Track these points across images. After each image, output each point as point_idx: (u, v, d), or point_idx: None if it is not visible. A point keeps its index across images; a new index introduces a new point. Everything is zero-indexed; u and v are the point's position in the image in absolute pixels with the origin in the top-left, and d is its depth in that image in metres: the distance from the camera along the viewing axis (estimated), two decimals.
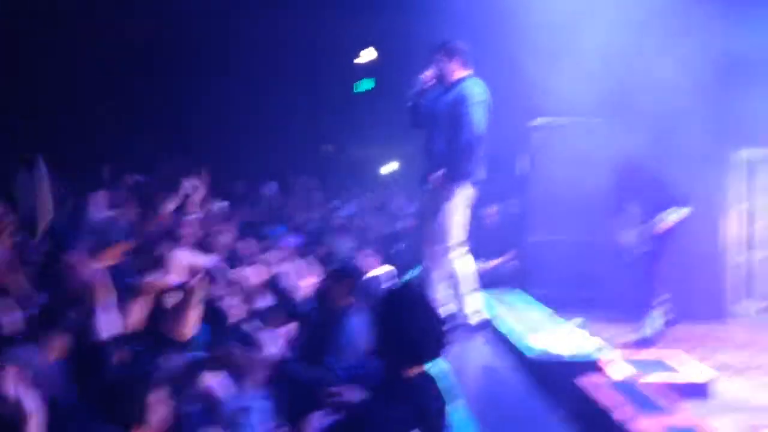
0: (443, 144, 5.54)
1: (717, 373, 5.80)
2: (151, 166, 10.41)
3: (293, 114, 13.49)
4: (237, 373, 3.43)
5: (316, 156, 14.26)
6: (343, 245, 8.51)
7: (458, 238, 5.58)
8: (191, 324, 3.93)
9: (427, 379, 2.82)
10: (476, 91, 5.47)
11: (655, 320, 6.71)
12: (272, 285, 5.53)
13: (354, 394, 3.64)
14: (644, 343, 6.62)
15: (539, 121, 8.60)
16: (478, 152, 5.48)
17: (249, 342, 3.96)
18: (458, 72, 5.56)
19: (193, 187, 7.11)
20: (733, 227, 8.28)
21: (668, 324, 7.07)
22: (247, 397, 3.00)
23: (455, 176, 5.47)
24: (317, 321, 5.00)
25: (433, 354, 2.78)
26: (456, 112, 5.44)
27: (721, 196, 8.18)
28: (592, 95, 7.49)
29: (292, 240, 8.09)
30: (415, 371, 2.75)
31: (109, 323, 3.63)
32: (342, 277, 5.16)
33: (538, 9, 7.61)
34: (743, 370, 6.10)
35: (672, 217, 6.69)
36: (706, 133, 7.53)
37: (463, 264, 5.61)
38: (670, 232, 6.77)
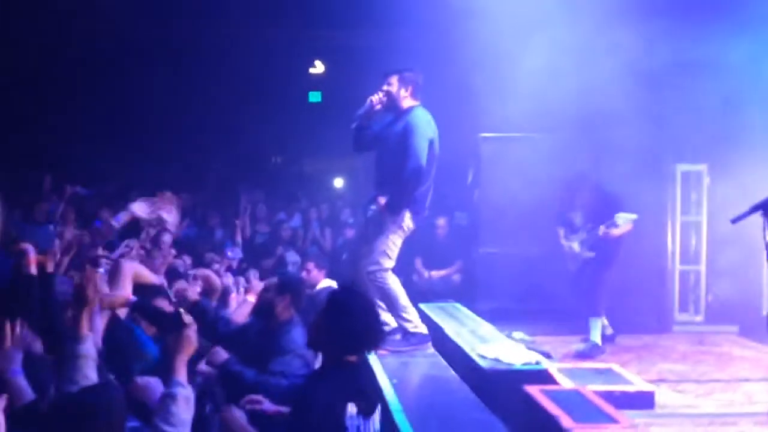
0: (390, 170, 5.61)
1: (659, 383, 5.92)
2: (94, 177, 10.21)
3: (242, 125, 13.39)
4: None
5: (265, 168, 14.17)
6: (290, 258, 8.47)
7: (391, 262, 5.68)
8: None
9: (365, 365, 3.39)
10: (424, 122, 5.57)
11: (596, 332, 6.81)
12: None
13: (271, 407, 3.74)
14: (587, 353, 6.70)
15: (487, 134, 8.71)
16: (423, 183, 5.56)
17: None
18: (408, 100, 5.62)
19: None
20: (673, 240, 8.49)
21: (610, 336, 7.19)
22: (173, 385, 3.02)
23: (398, 205, 5.57)
24: (258, 332, 4.97)
25: (372, 345, 3.33)
26: (404, 141, 5.50)
27: (661, 210, 8.38)
28: (538, 112, 7.64)
29: (235, 253, 8.03)
30: (354, 358, 3.24)
31: None
32: (283, 290, 5.13)
33: (485, 27, 7.73)
34: (684, 380, 6.21)
35: (619, 224, 6.78)
36: (645, 149, 7.73)
37: (395, 281, 5.70)
38: (616, 241, 6.87)
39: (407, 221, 5.67)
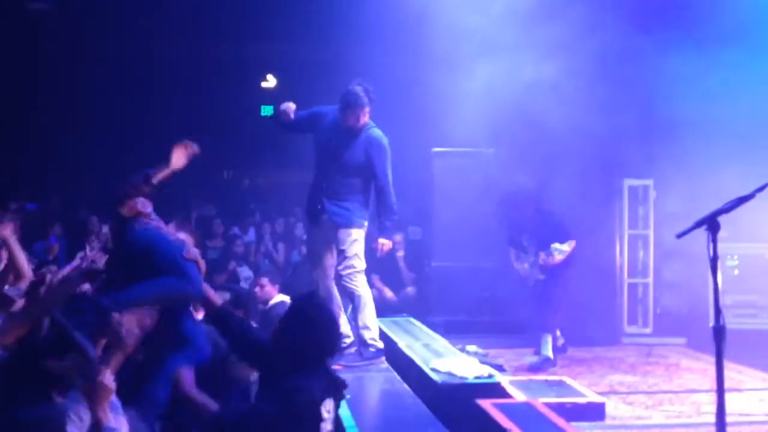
0: (344, 181, 5.61)
1: (610, 394, 6.00)
2: (38, 192, 10.00)
3: (194, 139, 13.22)
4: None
5: (217, 182, 14.02)
6: (242, 273, 8.39)
7: (363, 263, 5.68)
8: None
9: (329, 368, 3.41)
10: (384, 140, 5.64)
11: (548, 346, 6.88)
12: None
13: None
14: (539, 367, 6.76)
15: (439, 149, 8.77)
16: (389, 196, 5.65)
17: None
18: (365, 118, 5.63)
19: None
20: (621, 254, 8.63)
21: (562, 347, 7.28)
22: None
23: (364, 215, 5.64)
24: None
25: (329, 355, 3.40)
26: (369, 157, 5.57)
27: (609, 224, 8.53)
28: (488, 127, 7.74)
29: None
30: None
31: None
32: (235, 305, 5.09)
33: (436, 44, 7.79)
34: (633, 391, 6.31)
35: (557, 252, 6.89)
36: (593, 164, 7.87)
37: (366, 292, 5.67)
38: (561, 264, 6.96)
39: (365, 228, 5.72)
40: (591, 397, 5.55)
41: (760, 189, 3.10)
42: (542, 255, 6.95)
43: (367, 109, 5.61)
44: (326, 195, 5.65)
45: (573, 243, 6.95)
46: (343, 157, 5.60)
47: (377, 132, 5.67)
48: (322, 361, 3.36)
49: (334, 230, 5.62)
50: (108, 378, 2.89)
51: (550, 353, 6.86)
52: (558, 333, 7.17)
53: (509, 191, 7.26)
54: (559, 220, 7.08)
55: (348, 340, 5.68)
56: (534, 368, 6.75)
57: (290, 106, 5.76)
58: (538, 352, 6.96)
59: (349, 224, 5.60)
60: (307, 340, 3.28)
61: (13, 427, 2.67)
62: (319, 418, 3.21)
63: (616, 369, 7.15)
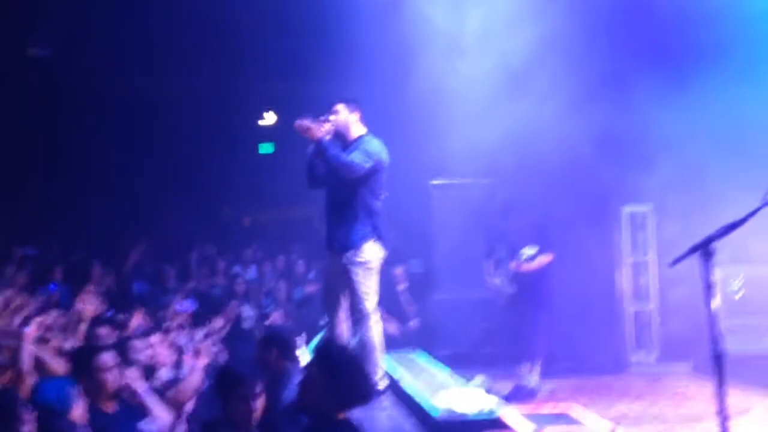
0: (346, 204, 5.42)
1: (616, 423, 5.94)
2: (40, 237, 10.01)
3: (194, 177, 13.30)
4: None
5: (217, 220, 14.04)
6: (244, 312, 8.36)
7: (374, 301, 5.44)
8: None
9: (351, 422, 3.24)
10: (373, 145, 5.41)
11: (531, 372, 6.82)
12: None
13: None
14: (524, 395, 6.70)
15: (438, 180, 8.79)
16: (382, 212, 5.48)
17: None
18: (357, 127, 5.47)
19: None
20: (625, 280, 8.59)
21: (545, 375, 7.17)
22: None
23: (369, 236, 5.37)
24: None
25: (363, 399, 3.23)
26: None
27: (610, 251, 8.51)
28: (485, 157, 7.75)
29: (187, 306, 7.88)
30: (344, 416, 3.17)
31: None
32: (269, 344, 5.09)
33: (433, 76, 7.85)
34: (641, 419, 6.25)
35: (525, 258, 6.83)
36: (591, 191, 7.87)
37: (378, 330, 5.46)
38: (534, 279, 6.89)
39: (374, 252, 5.41)
40: (597, 426, 5.50)
41: (752, 214, 3.10)
42: (513, 263, 6.91)
43: (356, 114, 5.44)
44: (330, 222, 5.49)
45: (549, 257, 6.88)
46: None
47: (367, 138, 5.43)
48: (349, 412, 3.18)
49: (339, 257, 5.41)
50: None
51: (534, 382, 6.80)
52: (538, 361, 7.02)
53: (493, 201, 7.24)
54: (541, 232, 7.02)
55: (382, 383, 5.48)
56: (516, 396, 6.64)
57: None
58: (519, 380, 6.88)
59: (349, 246, 5.35)
60: (331, 391, 3.11)
61: None
62: None
63: (623, 397, 7.08)
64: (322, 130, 5.36)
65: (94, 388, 4.17)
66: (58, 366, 4.47)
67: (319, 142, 5.31)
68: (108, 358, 4.31)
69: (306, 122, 5.32)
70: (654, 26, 7.81)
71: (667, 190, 8.12)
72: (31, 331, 4.48)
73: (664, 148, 7.76)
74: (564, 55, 7.25)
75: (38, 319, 4.71)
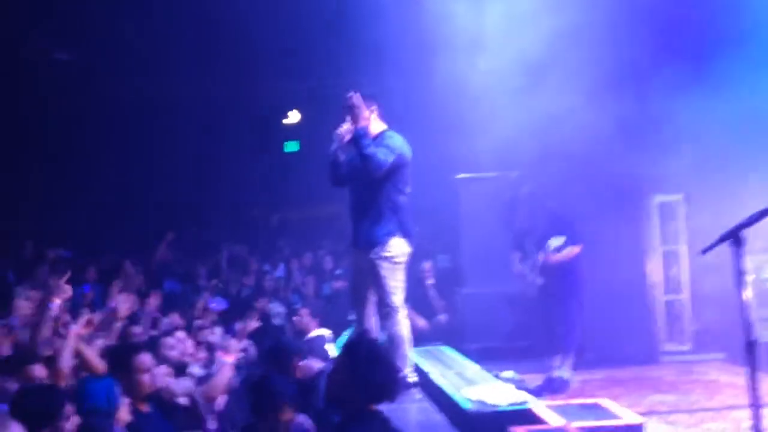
0: (370, 201, 5.40)
1: (650, 415, 5.90)
2: (77, 240, 10.15)
3: (223, 176, 13.42)
4: None
5: (246, 219, 14.15)
6: (274, 309, 8.42)
7: (401, 297, 5.43)
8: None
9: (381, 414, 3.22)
10: (394, 140, 5.38)
11: (562, 365, 6.78)
12: None
13: None
14: (555, 388, 6.67)
15: (465, 174, 8.77)
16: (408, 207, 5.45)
17: None
18: (375, 124, 5.43)
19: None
20: (656, 270, 8.52)
21: (577, 367, 7.13)
22: None
23: (394, 232, 5.36)
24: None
25: (393, 393, 3.23)
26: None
27: (641, 241, 8.44)
28: (512, 149, 7.72)
29: (218, 305, 7.96)
30: (374, 408, 3.18)
31: None
32: (288, 354, 5.12)
33: (458, 69, 7.83)
34: (673, 411, 6.20)
35: (553, 250, 6.80)
36: (621, 181, 7.81)
37: (406, 325, 5.46)
38: (563, 270, 6.85)
39: (400, 248, 5.40)
40: (629, 418, 5.45)
41: None
42: (541, 254, 6.89)
43: (373, 109, 5.40)
44: (355, 219, 5.49)
45: (577, 248, 6.85)
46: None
47: (389, 134, 5.39)
48: (378, 406, 3.18)
49: (366, 253, 5.41)
50: None
51: (566, 374, 6.76)
52: (570, 353, 6.98)
53: (520, 194, 7.23)
54: (567, 223, 6.99)
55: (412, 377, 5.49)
56: (547, 389, 6.62)
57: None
58: (549, 372, 6.86)
59: (375, 242, 5.34)
60: (366, 382, 3.13)
61: None
62: None
63: (655, 388, 7.03)
64: (342, 130, 5.39)
65: (130, 388, 4.22)
66: (100, 365, 4.53)
67: (359, 129, 5.29)
68: (146, 358, 4.37)
69: (357, 98, 5.30)
70: (677, 14, 7.72)
71: (696, 179, 8.03)
72: (77, 329, 4.53)
73: (691, 136, 7.68)
74: (587, 45, 7.19)
75: (86, 318, 4.75)
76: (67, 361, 4.34)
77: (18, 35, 10.64)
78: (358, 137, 5.29)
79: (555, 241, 6.84)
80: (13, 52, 10.78)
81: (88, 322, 4.71)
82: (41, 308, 4.73)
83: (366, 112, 5.37)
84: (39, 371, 4.25)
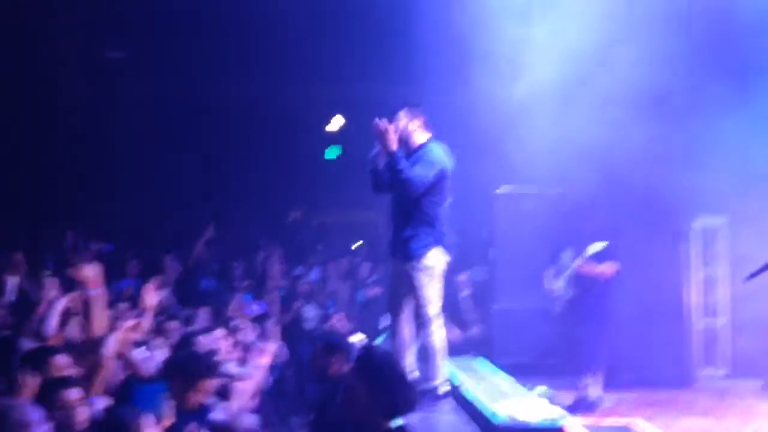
0: (409, 211, 5.39)
1: None
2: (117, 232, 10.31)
3: (261, 180, 13.55)
4: None
5: (285, 222, 14.27)
6: (308, 312, 8.47)
7: (437, 307, 5.42)
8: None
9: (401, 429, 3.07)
10: (435, 154, 5.35)
11: (592, 384, 6.73)
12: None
13: None
14: (585, 407, 6.61)
15: (503, 189, 8.74)
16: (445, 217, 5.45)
17: None
18: (419, 134, 5.41)
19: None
20: (694, 294, 8.40)
21: (609, 387, 7.06)
22: None
23: (432, 244, 5.36)
24: (324, 397, 4.89)
25: (409, 406, 3.07)
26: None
27: (682, 264, 8.32)
28: (551, 167, 7.69)
29: (255, 307, 8.02)
30: (389, 424, 3.01)
31: None
32: (330, 350, 5.10)
33: (500, 82, 7.84)
34: None
35: (588, 254, 6.74)
36: (662, 202, 7.72)
37: (440, 336, 5.45)
38: (595, 289, 6.80)
39: (437, 259, 5.38)
40: None
41: None
42: (578, 259, 6.85)
43: (419, 120, 5.36)
44: (394, 227, 5.47)
45: (614, 266, 6.80)
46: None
47: (430, 146, 5.36)
48: (394, 420, 3.00)
49: (403, 263, 5.41)
50: None
51: (596, 393, 6.71)
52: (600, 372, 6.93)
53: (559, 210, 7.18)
54: (609, 237, 6.94)
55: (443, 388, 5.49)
56: (578, 408, 6.57)
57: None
58: (580, 391, 6.80)
59: (411, 256, 5.33)
60: (373, 400, 2.99)
61: None
62: None
63: (689, 412, 6.93)
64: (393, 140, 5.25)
65: (180, 399, 4.23)
66: (146, 370, 4.55)
67: (391, 154, 5.26)
68: (213, 384, 4.43)
69: (384, 125, 5.22)
70: (721, 32, 7.63)
71: (740, 202, 7.91)
72: (120, 333, 4.48)
73: (736, 157, 7.57)
74: (630, 63, 7.15)
75: (133, 322, 4.70)
76: (108, 361, 4.33)
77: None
78: (394, 163, 5.25)
79: (594, 247, 6.79)
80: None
81: (136, 327, 4.68)
82: (51, 302, 4.73)
83: (411, 125, 5.36)
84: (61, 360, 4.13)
